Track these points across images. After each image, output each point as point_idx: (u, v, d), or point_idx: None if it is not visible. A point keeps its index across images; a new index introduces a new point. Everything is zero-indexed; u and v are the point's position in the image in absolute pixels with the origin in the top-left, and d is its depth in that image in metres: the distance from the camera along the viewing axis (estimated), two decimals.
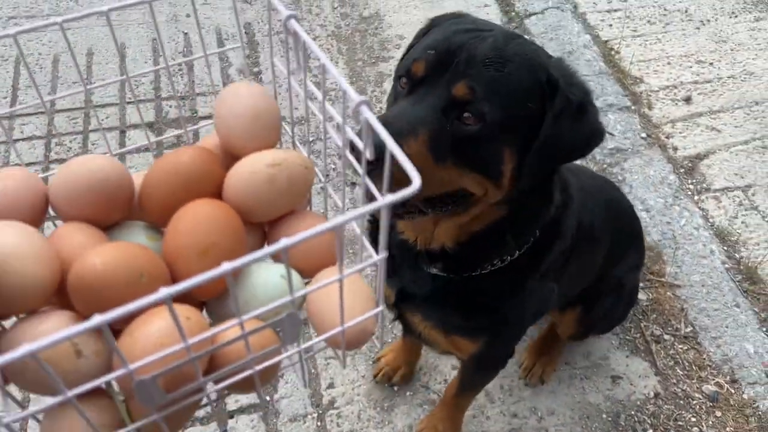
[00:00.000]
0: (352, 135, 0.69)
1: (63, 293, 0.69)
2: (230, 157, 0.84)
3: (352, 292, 0.72)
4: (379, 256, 0.67)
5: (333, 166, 2.48)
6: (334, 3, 3.33)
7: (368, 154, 0.66)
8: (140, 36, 3.05)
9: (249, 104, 0.83)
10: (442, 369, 2.06)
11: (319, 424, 1.91)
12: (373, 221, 1.44)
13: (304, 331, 1.91)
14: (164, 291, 0.50)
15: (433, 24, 1.23)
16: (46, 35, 3.00)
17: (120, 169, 0.78)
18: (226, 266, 0.52)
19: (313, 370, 2.02)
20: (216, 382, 0.68)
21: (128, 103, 2.76)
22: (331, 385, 1.99)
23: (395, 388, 2.00)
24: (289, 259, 0.60)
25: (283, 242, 0.54)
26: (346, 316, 0.69)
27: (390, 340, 2.10)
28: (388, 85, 2.87)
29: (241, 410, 1.92)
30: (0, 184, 0.75)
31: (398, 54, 3.02)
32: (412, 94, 1.08)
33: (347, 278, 0.67)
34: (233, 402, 1.93)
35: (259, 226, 0.85)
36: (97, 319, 0.49)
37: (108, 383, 0.72)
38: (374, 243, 1.43)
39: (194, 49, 3.00)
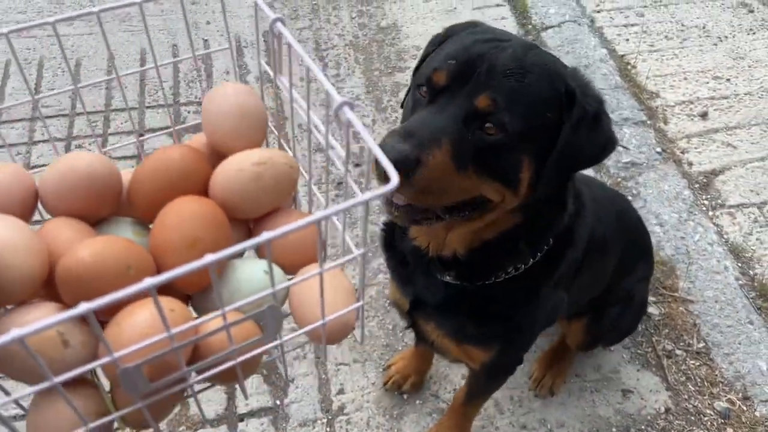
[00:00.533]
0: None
1: (51, 285, 0.70)
2: (217, 155, 0.85)
3: (334, 287, 0.74)
4: (358, 251, 0.69)
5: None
6: (352, 13, 3.36)
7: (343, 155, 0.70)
8: (161, 42, 3.09)
9: (235, 103, 0.84)
10: (452, 378, 2.06)
11: (328, 429, 1.91)
12: (388, 229, 1.45)
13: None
14: (148, 281, 0.51)
15: (449, 33, 1.24)
16: (69, 39, 3.05)
17: (108, 165, 0.80)
18: (210, 257, 0.53)
19: (323, 376, 2.02)
20: (200, 372, 0.69)
21: (147, 107, 2.79)
22: (341, 391, 2.00)
23: (405, 397, 2.00)
24: (273, 256, 0.62)
25: (266, 235, 0.56)
26: (327, 311, 0.71)
27: (401, 348, 2.10)
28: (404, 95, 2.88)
29: (251, 414, 1.93)
30: None
31: (414, 64, 3.03)
32: (434, 103, 1.09)
33: (329, 274, 0.69)
34: (243, 405, 1.94)
35: (245, 223, 0.87)
36: (84, 306, 0.50)
37: (93, 373, 0.74)
38: (388, 249, 1.44)
39: (213, 55, 3.03)
